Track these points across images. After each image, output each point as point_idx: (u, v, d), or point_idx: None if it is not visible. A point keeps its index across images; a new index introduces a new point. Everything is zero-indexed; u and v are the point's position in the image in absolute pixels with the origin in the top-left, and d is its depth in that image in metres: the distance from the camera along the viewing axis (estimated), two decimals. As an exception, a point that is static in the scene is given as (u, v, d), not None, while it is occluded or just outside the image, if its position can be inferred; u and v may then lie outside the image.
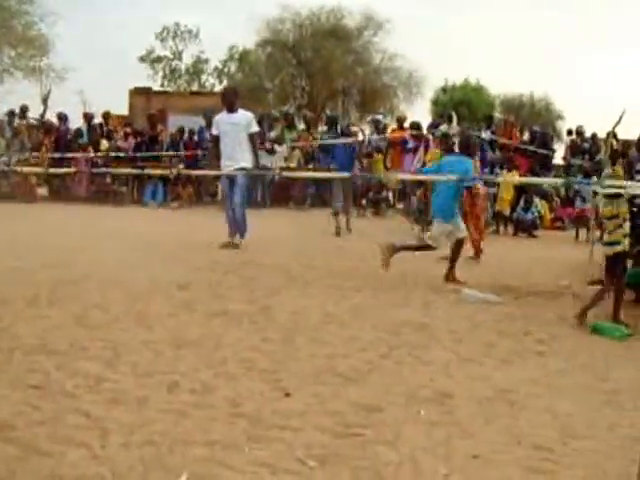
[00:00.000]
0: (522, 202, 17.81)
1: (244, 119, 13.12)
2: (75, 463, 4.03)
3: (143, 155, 21.51)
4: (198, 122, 24.09)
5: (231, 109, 13.15)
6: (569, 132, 22.99)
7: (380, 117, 24.95)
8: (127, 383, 5.40)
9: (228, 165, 12.94)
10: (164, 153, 22.21)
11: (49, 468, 3.97)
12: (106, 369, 5.70)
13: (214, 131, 13.41)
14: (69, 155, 21.58)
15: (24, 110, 23.81)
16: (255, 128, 13.34)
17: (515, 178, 17.26)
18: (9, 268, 9.46)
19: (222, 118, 13.26)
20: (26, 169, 19.41)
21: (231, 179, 13.00)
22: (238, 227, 12.87)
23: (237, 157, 12.83)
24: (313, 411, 4.97)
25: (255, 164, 13.22)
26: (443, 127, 21.11)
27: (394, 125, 23.42)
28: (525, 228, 17.66)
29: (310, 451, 4.31)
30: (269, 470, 4.04)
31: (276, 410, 4.96)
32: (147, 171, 19.63)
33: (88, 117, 23.83)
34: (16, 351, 5.97)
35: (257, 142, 13.76)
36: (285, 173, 19.38)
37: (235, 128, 12.90)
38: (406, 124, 21.68)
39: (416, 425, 4.85)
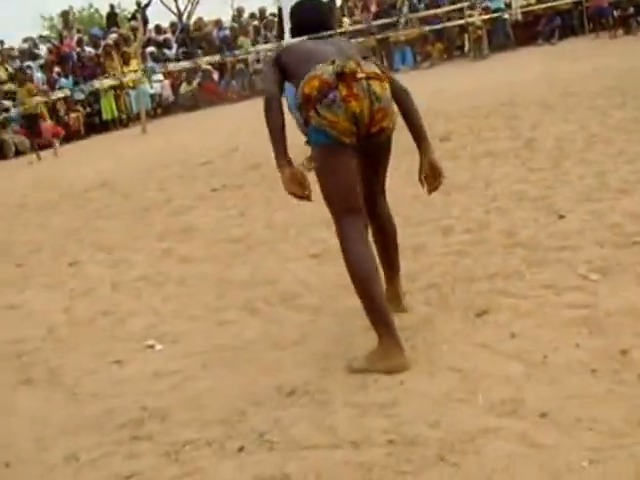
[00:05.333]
0: None
1: None
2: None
3: (383, 23, 21.35)
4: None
5: None
6: None
7: None
8: (403, 235, 5.43)
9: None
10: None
11: (338, 327, 4.15)
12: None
13: None
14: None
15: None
16: None
17: None
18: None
19: None
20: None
21: None
22: None
23: None
24: (589, 228, 4.87)
25: None
26: None
27: None
28: None
29: (591, 265, 4.24)
30: (552, 291, 4.01)
31: (552, 233, 4.91)
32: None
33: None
34: (293, 227, 6.19)
35: None
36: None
37: None
38: None
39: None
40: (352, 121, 3.52)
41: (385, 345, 3.52)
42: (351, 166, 3.64)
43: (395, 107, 3.77)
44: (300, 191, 3.68)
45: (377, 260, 3.77)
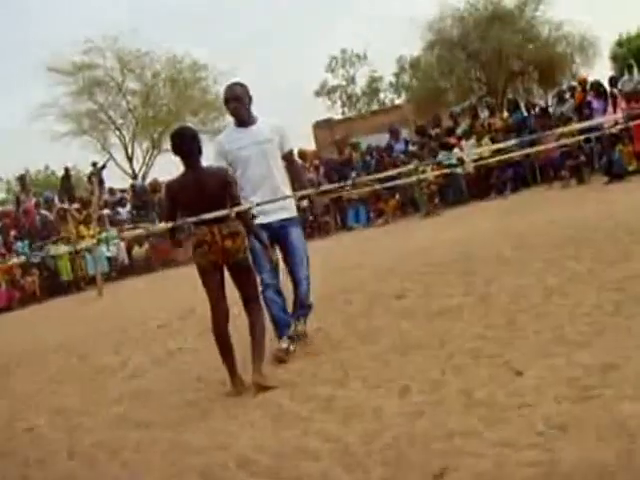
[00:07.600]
0: None
1: (270, 129, 7.52)
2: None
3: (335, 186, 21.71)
4: (385, 138, 24.36)
5: (244, 120, 7.49)
6: None
7: (564, 87, 24.24)
8: (359, 397, 5.48)
9: (260, 212, 7.18)
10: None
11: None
12: (337, 389, 5.82)
13: (221, 163, 7.31)
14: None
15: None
16: (290, 143, 7.76)
17: None
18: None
19: (231, 137, 7.56)
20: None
21: (273, 233, 7.34)
22: (302, 307, 7.62)
23: (273, 196, 7.30)
24: (547, 384, 4.87)
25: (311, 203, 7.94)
26: (623, 79, 20.39)
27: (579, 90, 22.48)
28: None
29: (550, 422, 4.23)
30: (511, 449, 3.99)
31: (510, 391, 4.90)
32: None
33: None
34: (249, 392, 6.19)
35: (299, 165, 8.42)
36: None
37: (261, 148, 7.40)
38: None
39: (658, 374, 4.67)
40: (211, 262, 6.25)
41: (230, 380, 6.31)
42: (214, 280, 6.36)
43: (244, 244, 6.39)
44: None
45: (229, 332, 6.41)
